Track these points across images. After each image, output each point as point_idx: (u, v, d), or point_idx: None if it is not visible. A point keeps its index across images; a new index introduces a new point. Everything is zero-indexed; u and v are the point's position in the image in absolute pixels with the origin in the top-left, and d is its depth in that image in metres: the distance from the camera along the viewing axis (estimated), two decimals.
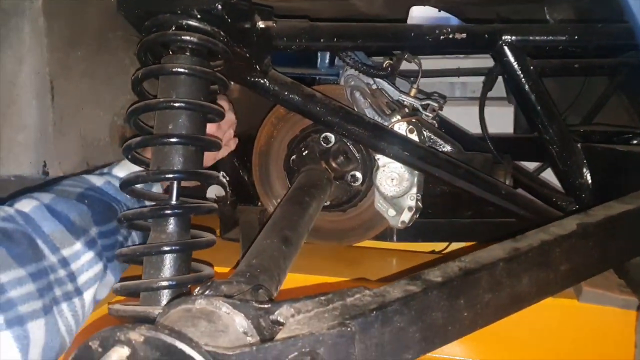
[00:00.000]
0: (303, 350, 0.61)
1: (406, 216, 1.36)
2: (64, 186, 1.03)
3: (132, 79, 1.02)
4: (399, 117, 1.32)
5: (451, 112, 1.66)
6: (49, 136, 1.04)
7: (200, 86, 0.99)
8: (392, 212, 1.37)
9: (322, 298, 0.76)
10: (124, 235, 1.06)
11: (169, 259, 0.97)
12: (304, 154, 1.40)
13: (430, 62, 1.86)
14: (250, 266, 0.96)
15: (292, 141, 1.45)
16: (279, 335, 0.67)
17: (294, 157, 1.43)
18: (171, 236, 0.98)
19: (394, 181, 1.34)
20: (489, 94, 1.60)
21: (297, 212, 1.14)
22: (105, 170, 1.13)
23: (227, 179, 1.53)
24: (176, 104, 0.97)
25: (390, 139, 1.26)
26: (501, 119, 1.87)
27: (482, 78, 1.75)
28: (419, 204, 1.37)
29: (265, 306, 0.76)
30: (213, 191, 1.49)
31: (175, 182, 0.98)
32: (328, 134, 1.40)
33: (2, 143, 1.02)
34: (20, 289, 0.80)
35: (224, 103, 1.29)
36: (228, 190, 1.50)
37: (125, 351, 0.54)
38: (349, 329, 0.65)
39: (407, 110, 1.37)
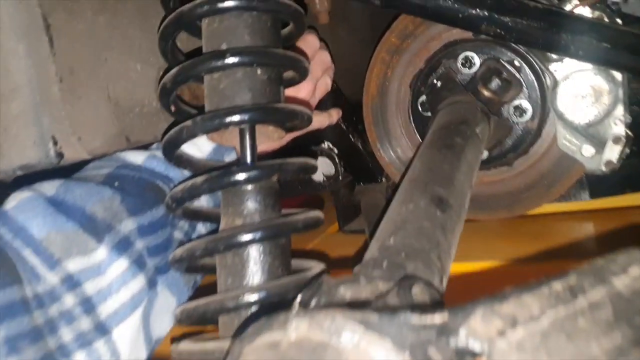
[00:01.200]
0: None
1: (613, 152, 0.87)
2: (85, 170, 0.67)
3: (159, 29, 0.65)
4: (576, 2, 0.85)
5: None
6: (54, 98, 0.68)
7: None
8: (588, 149, 0.89)
9: (556, 286, 0.34)
10: (184, 228, 0.68)
11: (253, 255, 0.58)
12: (438, 88, 0.95)
13: None
14: (387, 249, 0.53)
15: (417, 78, 1.01)
16: None
17: (422, 98, 0.99)
18: (252, 216, 0.59)
19: (587, 99, 0.86)
20: None
21: (447, 159, 0.70)
22: (154, 146, 0.77)
23: (336, 150, 1.12)
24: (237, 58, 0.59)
25: (578, 26, 0.79)
26: None
27: None
28: (629, 130, 0.88)
29: (438, 320, 0.34)
30: (320, 170, 1.08)
31: (248, 130, 0.59)
32: (468, 53, 0.95)
33: None
34: None
35: (311, 40, 0.89)
36: (339, 165, 1.08)
37: None
38: None
39: None
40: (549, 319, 0.34)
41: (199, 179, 0.58)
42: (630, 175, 1.00)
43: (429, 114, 0.98)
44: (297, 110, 0.62)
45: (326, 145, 1.11)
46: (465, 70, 0.95)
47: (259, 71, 0.61)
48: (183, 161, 0.67)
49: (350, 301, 0.45)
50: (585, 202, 1.06)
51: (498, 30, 0.79)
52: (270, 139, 0.66)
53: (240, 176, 0.58)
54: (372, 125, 1.07)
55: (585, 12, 0.84)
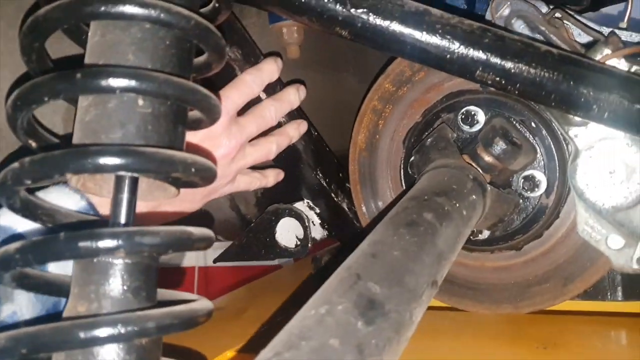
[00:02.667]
0: None
1: None
2: None
3: (22, 29, 0.50)
4: (607, 50, 0.66)
5: None
6: None
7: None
8: (615, 240, 0.69)
9: None
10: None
11: None
12: (427, 146, 0.77)
13: None
14: None
15: (411, 133, 0.83)
16: None
17: (415, 158, 0.81)
18: (102, 303, 0.43)
19: (615, 175, 0.67)
20: None
21: (403, 243, 0.52)
22: None
23: (317, 210, 0.94)
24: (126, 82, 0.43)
25: (604, 80, 0.60)
26: None
27: None
28: None
29: None
30: (289, 230, 0.90)
31: (121, 180, 0.43)
32: (472, 107, 0.77)
33: None
34: None
35: (263, 72, 0.74)
36: (309, 229, 0.90)
37: None
38: None
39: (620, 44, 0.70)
40: None
41: (34, 240, 0.42)
42: None
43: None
44: (182, 160, 0.45)
45: (305, 203, 0.94)
46: (466, 128, 0.77)
47: (140, 102, 0.45)
48: (35, 211, 0.50)
49: None
50: (617, 304, 0.84)
51: (497, 78, 0.61)
52: (154, 197, 0.49)
53: (91, 243, 0.42)
54: (359, 184, 0.89)
55: (620, 64, 0.66)
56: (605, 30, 0.73)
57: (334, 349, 0.38)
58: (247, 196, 0.98)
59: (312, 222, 0.92)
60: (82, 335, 0.39)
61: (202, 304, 0.46)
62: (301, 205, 0.93)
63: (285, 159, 0.88)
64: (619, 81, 0.61)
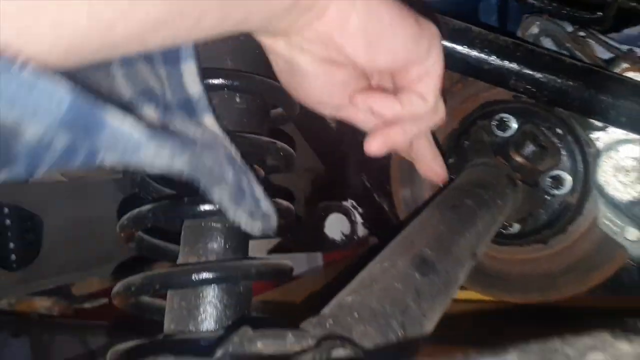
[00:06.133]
0: None
1: None
2: None
3: None
4: (626, 65, 0.76)
5: None
6: None
7: None
8: (632, 232, 0.78)
9: None
10: None
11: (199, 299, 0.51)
12: (464, 148, 0.87)
13: None
14: (341, 307, 0.46)
15: (448, 139, 0.94)
16: None
17: (452, 160, 0.91)
18: (209, 256, 0.53)
19: (632, 174, 0.76)
20: None
21: (447, 221, 0.62)
22: None
23: (360, 210, 1.04)
24: None
25: (621, 88, 0.70)
26: None
27: None
28: None
29: None
30: (336, 225, 1.00)
31: None
32: (505, 115, 0.86)
33: None
34: None
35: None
36: (355, 223, 1.01)
37: None
38: None
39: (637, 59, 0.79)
40: None
41: (148, 207, 0.53)
42: None
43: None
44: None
45: (349, 203, 1.04)
46: (500, 133, 0.86)
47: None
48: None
49: (268, 355, 0.38)
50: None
51: (528, 87, 0.71)
52: None
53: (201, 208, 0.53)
54: (399, 186, 0.99)
55: (637, 77, 0.75)
56: (625, 48, 0.83)
57: (398, 290, 0.48)
58: (297, 195, 1.08)
59: (355, 220, 1.02)
60: (197, 276, 0.50)
61: (288, 262, 0.56)
62: (346, 204, 1.03)
63: (334, 162, 0.98)
64: (634, 90, 0.70)
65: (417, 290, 0.50)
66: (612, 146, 0.76)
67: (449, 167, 0.90)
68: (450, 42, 0.71)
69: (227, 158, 0.46)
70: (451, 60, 0.72)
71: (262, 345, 0.38)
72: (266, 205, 0.49)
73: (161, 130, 0.40)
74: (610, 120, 0.71)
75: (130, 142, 0.33)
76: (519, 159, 0.82)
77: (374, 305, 0.46)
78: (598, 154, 0.78)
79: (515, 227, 0.87)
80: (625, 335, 0.29)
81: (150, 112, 0.43)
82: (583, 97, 0.70)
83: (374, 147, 0.56)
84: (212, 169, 0.42)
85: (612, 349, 0.28)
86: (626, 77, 0.73)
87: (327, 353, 0.35)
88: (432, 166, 0.68)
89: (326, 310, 0.46)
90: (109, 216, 1.15)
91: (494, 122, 0.87)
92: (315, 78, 0.50)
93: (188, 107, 0.46)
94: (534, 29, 0.84)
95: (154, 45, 0.37)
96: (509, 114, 0.86)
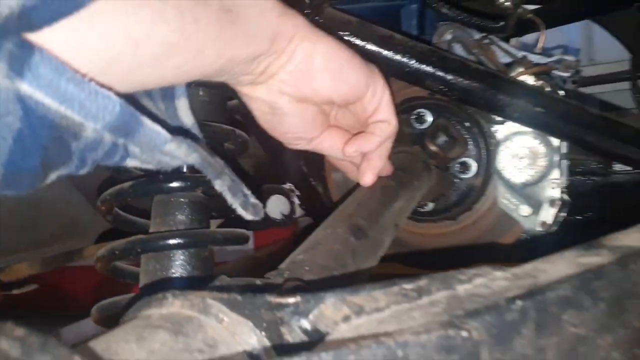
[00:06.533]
0: None
1: (547, 213, 0.92)
2: None
3: None
4: (521, 69, 0.92)
5: None
6: None
7: None
8: (524, 209, 0.94)
9: (407, 286, 0.40)
10: None
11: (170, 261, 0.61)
12: None
13: None
14: (293, 263, 0.57)
15: None
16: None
17: None
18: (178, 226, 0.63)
19: (524, 160, 0.92)
20: None
21: (377, 198, 0.75)
22: None
23: (297, 192, 1.16)
24: None
25: (515, 90, 0.85)
26: None
27: None
28: (565, 195, 0.93)
29: (291, 300, 0.37)
30: (276, 206, 1.12)
31: None
32: (422, 110, 1.01)
33: None
34: None
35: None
36: (294, 204, 1.12)
37: None
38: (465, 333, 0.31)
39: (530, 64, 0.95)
40: (390, 312, 0.38)
41: (128, 183, 0.63)
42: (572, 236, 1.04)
43: None
44: None
45: (287, 186, 1.15)
46: (417, 125, 1.00)
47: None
48: None
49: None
50: None
51: (441, 87, 0.85)
52: None
53: (173, 184, 0.63)
54: (333, 172, 1.12)
55: (530, 80, 0.91)
56: (521, 54, 0.99)
57: (338, 250, 0.61)
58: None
59: (294, 201, 1.14)
60: (173, 241, 0.60)
61: (245, 231, 0.67)
62: (286, 187, 1.14)
63: (275, 150, 1.09)
64: (526, 91, 0.86)
65: (353, 250, 0.62)
66: (509, 137, 0.92)
67: None
68: (376, 47, 0.84)
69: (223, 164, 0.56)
70: (377, 63, 0.85)
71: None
72: (253, 198, 0.59)
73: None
74: (507, 115, 0.86)
75: (159, 138, 0.43)
76: (433, 147, 0.96)
77: (320, 261, 0.58)
78: (498, 143, 0.93)
79: (430, 206, 1.01)
80: (499, 267, 0.42)
81: None
82: (485, 96, 0.84)
83: (369, 180, 0.71)
84: (215, 165, 0.52)
85: (490, 275, 0.41)
86: (519, 80, 0.88)
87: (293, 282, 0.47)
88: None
89: (283, 265, 0.57)
90: (54, 199, 1.20)
91: (412, 116, 1.00)
92: (292, 116, 0.61)
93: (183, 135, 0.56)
94: (447, 36, 0.98)
95: (166, 70, 0.44)
96: (425, 109, 1.00)
